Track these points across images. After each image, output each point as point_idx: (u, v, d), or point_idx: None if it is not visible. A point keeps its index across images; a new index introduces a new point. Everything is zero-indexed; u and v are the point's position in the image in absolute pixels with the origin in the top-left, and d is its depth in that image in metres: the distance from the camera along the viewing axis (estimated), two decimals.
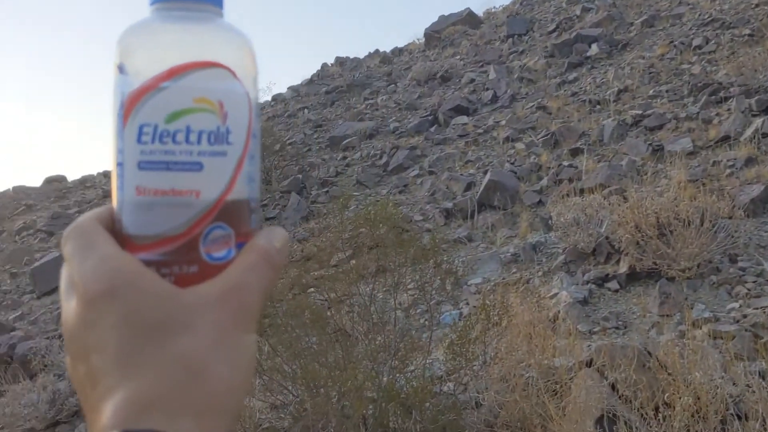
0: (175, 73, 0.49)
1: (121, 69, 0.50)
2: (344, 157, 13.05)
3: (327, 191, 11.46)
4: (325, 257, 7.12)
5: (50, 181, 17.28)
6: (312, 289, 5.62)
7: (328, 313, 4.56)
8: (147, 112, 0.48)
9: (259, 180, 0.54)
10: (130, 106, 0.48)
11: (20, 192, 16.53)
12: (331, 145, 13.87)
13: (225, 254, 0.49)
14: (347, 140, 13.67)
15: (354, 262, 6.31)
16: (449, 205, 9.04)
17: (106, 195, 13.59)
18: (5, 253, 10.56)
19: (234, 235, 0.50)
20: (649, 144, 8.91)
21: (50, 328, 6.05)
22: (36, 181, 17.90)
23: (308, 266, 6.80)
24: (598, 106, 11.08)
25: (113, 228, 0.47)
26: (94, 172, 17.74)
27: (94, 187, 15.68)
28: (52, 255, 8.61)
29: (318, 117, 16.08)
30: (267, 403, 3.56)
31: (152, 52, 0.50)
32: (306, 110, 16.97)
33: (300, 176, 12.14)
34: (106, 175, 17.37)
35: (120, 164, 0.48)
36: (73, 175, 21.55)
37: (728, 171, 7.48)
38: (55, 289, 7.60)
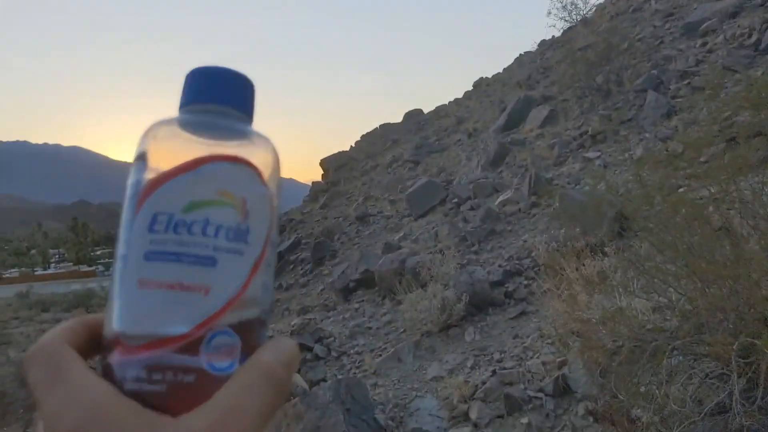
0: (201, 163, 0.47)
1: (141, 157, 0.48)
2: (704, 44, 11.78)
3: (688, 83, 10.52)
4: (694, 154, 6.63)
5: (409, 115, 18.90)
6: (682, 189, 5.31)
7: (709, 210, 4.28)
8: (164, 199, 0.46)
9: (272, 293, 0.50)
10: (146, 193, 0.46)
11: (386, 129, 18.46)
12: (687, 33, 12.61)
13: (228, 366, 0.44)
14: (706, 24, 12.28)
15: (728, 155, 5.76)
16: None
17: (460, 121, 14.38)
18: (382, 183, 11.97)
19: (240, 345, 0.45)
20: None
21: (430, 245, 6.74)
22: (397, 117, 19.76)
23: (676, 165, 6.42)
24: None
25: (92, 339, 0.44)
26: (446, 101, 18.93)
27: (447, 116, 16.68)
28: (420, 181, 9.52)
29: (667, 6, 14.70)
30: (650, 303, 3.55)
31: (178, 141, 0.48)
32: (652, 1, 15.64)
33: (655, 72, 11.33)
34: (457, 102, 18.42)
35: (123, 256, 0.46)
36: (428, 107, 23.23)
37: None
38: (429, 210, 8.43)
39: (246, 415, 0.38)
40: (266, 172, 0.50)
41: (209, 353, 0.43)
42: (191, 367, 0.42)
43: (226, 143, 0.48)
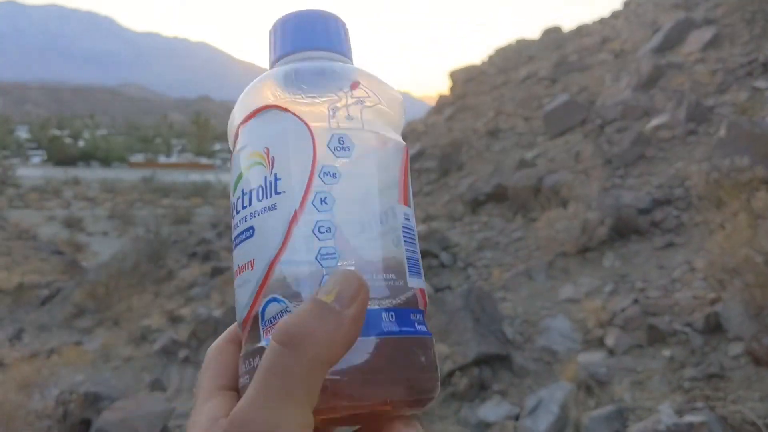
0: (236, 137, 0.45)
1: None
2: None
3: None
4: None
5: (548, 32, 18.08)
6: None
7: None
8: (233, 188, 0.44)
9: (339, 230, 0.40)
10: (406, 154, 0.46)
11: (522, 44, 17.77)
12: None
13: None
14: None
15: None
16: None
17: (606, 41, 13.62)
18: (515, 99, 11.59)
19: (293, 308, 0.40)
20: None
21: (569, 165, 6.49)
22: (533, 34, 18.97)
23: None
24: None
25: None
26: (590, 21, 17.92)
27: (590, 35, 15.83)
28: (560, 99, 9.12)
29: None
30: None
31: (232, 128, 0.47)
32: None
33: None
34: (602, 22, 17.40)
35: (407, 215, 0.45)
36: (568, 25, 22.17)
37: None
38: (567, 130, 8.10)
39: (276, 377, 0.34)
40: (296, 96, 0.44)
41: (267, 327, 0.40)
42: (257, 349, 0.39)
43: (253, 92, 0.45)
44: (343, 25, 0.49)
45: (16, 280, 11.75)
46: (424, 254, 5.43)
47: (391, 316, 0.40)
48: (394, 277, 0.40)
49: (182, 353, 5.73)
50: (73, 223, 22.61)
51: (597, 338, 4.01)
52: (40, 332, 8.47)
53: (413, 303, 0.41)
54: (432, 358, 0.41)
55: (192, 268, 9.49)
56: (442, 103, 16.33)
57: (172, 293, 8.37)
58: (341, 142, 0.42)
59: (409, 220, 0.43)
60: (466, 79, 16.77)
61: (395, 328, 0.39)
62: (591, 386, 3.52)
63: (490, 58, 18.18)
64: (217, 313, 6.10)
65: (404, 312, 0.40)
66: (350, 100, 0.43)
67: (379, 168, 0.43)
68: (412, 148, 11.54)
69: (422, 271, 0.43)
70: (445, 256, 5.42)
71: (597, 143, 6.72)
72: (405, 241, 0.42)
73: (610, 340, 3.91)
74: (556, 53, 15.09)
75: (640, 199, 5.13)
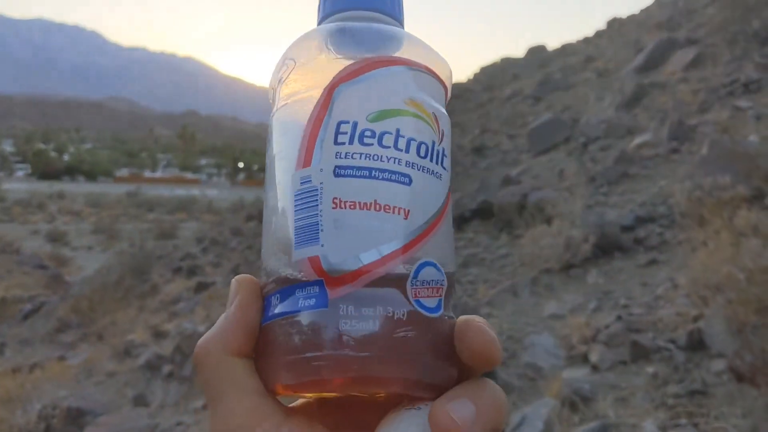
0: (388, 64, 0.41)
1: (293, 74, 0.43)
2: None
3: None
4: None
5: (533, 51, 18.27)
6: None
7: None
8: (347, 105, 0.40)
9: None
10: (323, 103, 0.40)
11: (507, 63, 17.94)
12: None
13: (435, 307, 0.40)
14: None
15: None
16: None
17: (590, 60, 13.76)
18: (500, 117, 11.69)
19: (446, 285, 0.41)
20: None
21: (553, 182, 6.54)
22: (519, 53, 19.15)
23: None
24: None
25: (250, 335, 0.41)
26: (574, 40, 18.13)
27: (575, 54, 16.01)
28: (544, 117, 9.20)
29: None
30: None
31: (344, 43, 0.42)
32: None
33: None
34: (586, 41, 17.61)
35: (304, 177, 0.40)
36: (552, 44, 22.39)
37: None
38: (551, 148, 8.17)
39: None
40: (449, 91, 0.46)
41: (416, 287, 0.39)
42: (400, 301, 0.38)
43: (407, 44, 0.43)
44: None
45: None
46: None
47: (277, 298, 0.40)
48: (284, 255, 0.40)
49: (166, 368, 5.69)
50: (57, 237, 22.45)
51: (581, 354, 4.02)
52: (23, 347, 8.38)
53: (296, 279, 0.39)
54: (314, 334, 0.38)
55: (176, 282, 9.44)
56: None
57: (156, 308, 8.31)
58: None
59: (308, 181, 0.40)
60: (451, 97, 16.88)
61: (278, 311, 0.40)
62: (575, 402, 3.53)
63: (476, 75, 18.33)
64: (202, 328, 6.06)
65: (288, 291, 0.40)
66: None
67: (278, 144, 0.43)
68: None
69: (321, 233, 0.39)
70: None
71: (581, 161, 6.78)
72: (297, 209, 0.40)
73: (594, 357, 3.92)
74: (540, 71, 15.26)
75: (624, 216, 5.17)
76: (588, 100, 9.80)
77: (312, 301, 0.38)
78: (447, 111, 0.44)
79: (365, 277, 0.38)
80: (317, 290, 0.38)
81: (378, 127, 0.40)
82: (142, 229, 22.19)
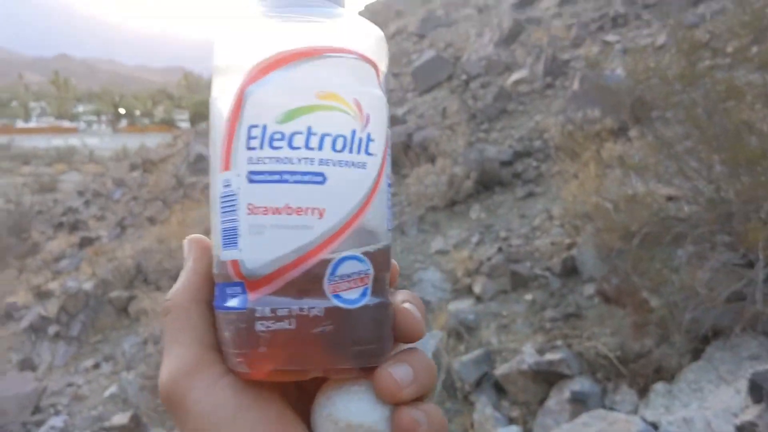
0: (293, 59, 0.40)
1: (223, 63, 0.43)
2: None
3: None
4: (720, 45, 6.45)
5: None
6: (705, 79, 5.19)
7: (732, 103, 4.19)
8: (256, 108, 0.40)
9: (392, 221, 0.45)
10: (238, 103, 0.40)
11: (391, 0, 17.81)
12: None
13: (357, 297, 0.41)
14: None
15: (756, 48, 5.63)
16: None
17: None
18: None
19: (373, 273, 0.42)
20: None
21: (437, 120, 6.64)
22: None
23: (699, 55, 6.27)
24: None
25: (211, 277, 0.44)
26: None
27: None
28: (427, 55, 9.26)
29: None
30: (670, 190, 3.54)
31: (259, 38, 0.42)
32: None
33: None
34: None
35: (226, 179, 0.41)
36: None
37: None
38: (434, 86, 8.26)
39: None
40: (379, 61, 0.44)
41: (334, 282, 0.40)
42: (316, 298, 0.40)
43: (323, 28, 0.42)
44: None
45: None
46: None
47: (218, 290, 0.43)
48: (216, 250, 0.42)
49: (52, 329, 5.49)
50: None
51: (465, 287, 4.20)
52: None
53: (226, 277, 0.42)
54: (237, 333, 0.40)
55: (59, 239, 9.03)
56: None
57: (38, 267, 7.94)
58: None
59: (228, 185, 0.41)
60: None
61: (217, 303, 0.43)
62: (461, 332, 3.70)
63: (360, 13, 18.18)
64: (88, 285, 5.86)
65: (221, 287, 0.42)
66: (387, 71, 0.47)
67: (211, 139, 0.43)
68: None
69: (239, 238, 0.41)
70: None
71: (462, 99, 6.91)
72: (222, 211, 0.42)
73: (477, 288, 4.11)
74: (423, 8, 15.27)
75: (503, 152, 5.35)
76: (469, 36, 9.92)
77: (236, 302, 0.40)
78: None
79: (280, 279, 0.39)
80: (239, 291, 0.40)
81: (288, 128, 0.40)
82: (18, 184, 20.91)
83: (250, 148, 0.40)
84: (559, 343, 3.45)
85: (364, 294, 0.41)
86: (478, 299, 4.06)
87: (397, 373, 0.40)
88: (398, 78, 9.85)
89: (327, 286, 0.40)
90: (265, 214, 0.40)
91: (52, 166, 30.69)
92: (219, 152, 0.41)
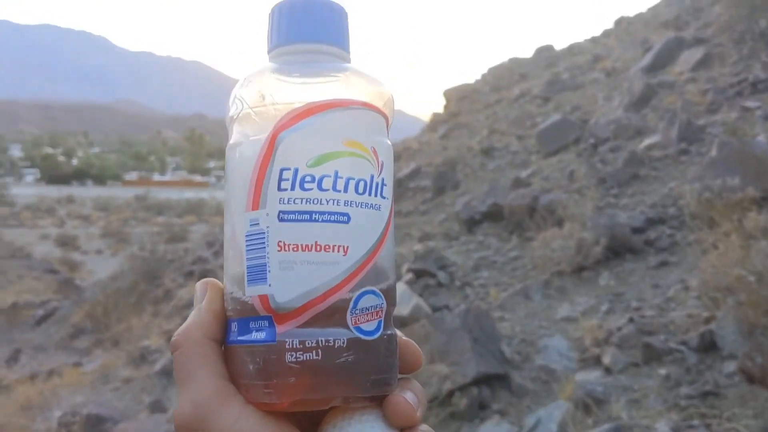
0: (321, 109, 0.44)
1: (245, 114, 0.46)
2: None
3: None
4: None
5: (540, 50, 18.27)
6: None
7: None
8: (287, 153, 0.44)
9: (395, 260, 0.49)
10: (269, 149, 0.44)
11: (515, 63, 17.95)
12: None
13: (374, 329, 0.45)
14: None
15: None
16: None
17: (597, 60, 13.76)
18: (509, 118, 11.70)
19: (386, 307, 0.46)
20: None
21: (563, 184, 6.57)
22: (527, 53, 19.16)
23: None
24: None
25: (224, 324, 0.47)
26: (581, 39, 18.13)
27: (583, 54, 16.01)
28: (553, 118, 9.22)
29: None
30: None
31: (284, 90, 0.45)
32: None
33: None
34: (594, 41, 17.59)
35: (254, 219, 0.44)
36: (560, 44, 22.36)
37: None
38: (560, 149, 8.19)
39: None
40: (389, 115, 0.49)
41: (356, 315, 0.44)
42: (340, 330, 0.43)
43: (342, 83, 0.46)
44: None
45: (10, 299, 11.71)
46: (422, 273, 5.49)
47: (236, 325, 0.46)
48: (236, 289, 0.45)
49: None
50: (67, 242, 22.55)
51: (594, 357, 4.06)
52: (37, 353, 8.46)
53: (249, 311, 0.44)
54: (264, 365, 0.43)
55: (189, 287, 9.50)
56: (436, 121, 16.45)
57: (170, 313, 8.39)
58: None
59: (257, 224, 0.44)
60: (459, 98, 16.91)
61: (234, 338, 0.45)
62: (589, 405, 3.57)
63: (484, 76, 18.35)
64: None
65: (242, 322, 0.45)
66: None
67: (232, 182, 0.47)
68: (407, 166, 11.62)
69: (268, 274, 0.44)
70: (442, 276, 5.47)
71: (590, 162, 6.81)
72: (248, 249, 0.44)
73: (606, 359, 3.96)
74: (548, 72, 15.26)
75: (634, 218, 5.21)
76: (596, 100, 9.82)
77: (263, 335, 0.43)
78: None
79: (308, 312, 0.43)
80: (267, 324, 0.43)
81: (317, 171, 0.43)
82: (152, 233, 22.29)
83: (281, 189, 0.43)
84: (695, 422, 3.26)
85: (379, 326, 0.45)
86: (608, 371, 3.91)
87: (410, 398, 0.45)
88: (522, 140, 9.84)
89: (350, 318, 0.44)
90: (296, 250, 0.43)
91: (183, 217, 32.54)
92: (244, 193, 0.44)
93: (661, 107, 7.64)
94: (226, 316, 0.47)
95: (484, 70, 18.91)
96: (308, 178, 0.43)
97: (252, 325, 0.44)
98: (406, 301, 4.81)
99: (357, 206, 0.44)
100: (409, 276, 5.45)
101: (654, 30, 13.56)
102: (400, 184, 11.07)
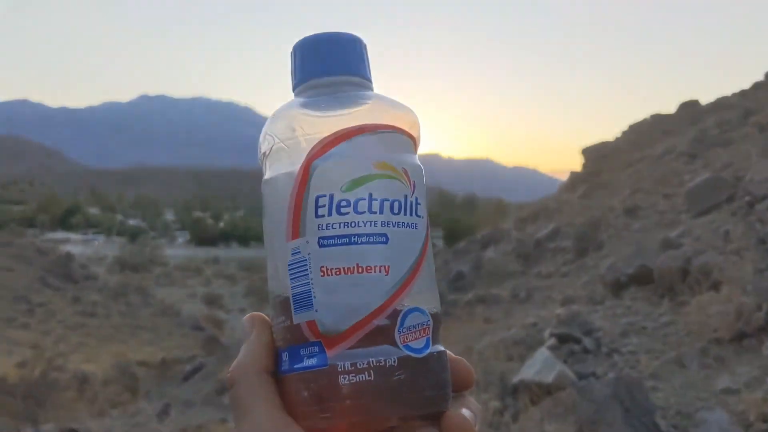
0: (350, 136, 0.46)
1: (276, 148, 0.47)
2: None
3: None
4: None
5: (684, 106, 17.61)
6: None
7: None
8: (321, 180, 0.45)
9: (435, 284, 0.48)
10: (303, 179, 0.45)
11: (657, 119, 17.38)
12: None
13: (423, 347, 0.45)
14: None
15: None
16: None
17: (748, 114, 13.06)
18: (653, 176, 11.27)
19: (432, 324, 0.46)
20: None
21: (717, 244, 6.20)
22: (670, 108, 18.50)
23: None
24: None
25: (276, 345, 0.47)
26: (729, 93, 17.31)
27: (731, 108, 15.26)
28: (703, 176, 8.79)
29: None
30: None
31: (313, 121, 0.47)
32: None
33: None
34: (743, 94, 16.74)
35: (295, 248, 0.45)
36: (704, 98, 21.47)
37: None
38: (712, 208, 7.76)
39: None
40: (417, 136, 0.50)
41: (404, 333, 0.44)
42: (390, 349, 0.44)
43: (369, 109, 0.48)
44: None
45: (161, 355, 12.38)
46: (565, 339, 5.31)
47: (287, 355, 0.46)
48: (284, 318, 0.46)
49: None
50: (212, 300, 23.75)
51: None
52: (186, 408, 8.86)
53: (299, 338, 0.45)
54: (318, 390, 0.44)
55: None
56: (575, 179, 16.14)
57: None
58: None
59: (298, 252, 0.45)
60: (599, 156, 16.53)
61: (287, 367, 0.46)
62: None
63: (624, 134, 17.87)
64: None
65: (293, 350, 0.45)
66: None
67: (270, 214, 0.48)
68: (546, 227, 11.40)
69: (314, 300, 0.45)
70: (588, 341, 5.26)
71: (747, 222, 6.40)
72: (292, 278, 0.45)
73: None
74: (693, 128, 14.63)
75: None
76: (750, 156, 9.26)
77: (314, 361, 0.44)
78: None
79: (356, 334, 0.43)
80: (317, 350, 0.44)
81: (352, 195, 0.44)
82: None
83: (319, 216, 0.44)
84: None
85: (427, 343, 0.45)
86: None
87: (467, 414, 0.45)
88: (670, 199, 9.43)
89: (398, 337, 0.44)
90: (338, 274, 0.44)
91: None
92: (283, 225, 0.46)
93: None
94: (276, 347, 0.47)
95: (625, 127, 18.42)
96: (344, 203, 0.45)
97: (302, 352, 0.45)
98: (550, 367, 4.66)
99: (394, 226, 0.45)
100: (552, 341, 5.29)
101: None
102: (539, 245, 10.85)
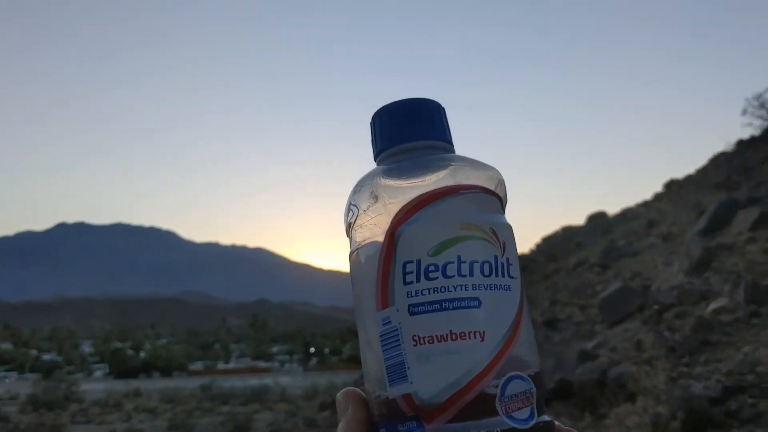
0: (434, 199, 0.44)
1: (360, 218, 0.47)
2: None
3: None
4: None
5: (593, 218, 18.42)
6: None
7: None
8: (408, 247, 0.43)
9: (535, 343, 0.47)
10: (389, 247, 0.44)
11: (568, 231, 18.08)
12: None
13: (528, 416, 0.42)
14: None
15: None
16: None
17: (652, 224, 13.77)
18: (569, 288, 11.60)
19: (535, 391, 0.43)
20: None
21: (632, 354, 6.36)
22: (580, 220, 19.30)
23: None
24: None
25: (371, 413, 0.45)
26: (632, 204, 18.30)
27: (636, 219, 16.09)
28: (614, 286, 9.11)
29: None
30: None
31: (395, 188, 0.46)
32: None
33: None
34: (646, 205, 17.71)
35: (385, 318, 0.44)
36: (612, 209, 22.56)
37: None
38: (625, 317, 8.00)
39: None
40: (503, 195, 0.49)
41: (506, 402, 0.42)
42: (493, 420, 0.41)
43: (453, 170, 0.46)
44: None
45: None
46: None
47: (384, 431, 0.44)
48: (379, 391, 0.44)
49: None
50: None
51: None
52: None
53: (396, 413, 0.43)
54: None
55: None
56: None
57: None
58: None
59: (389, 322, 0.44)
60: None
61: None
62: None
63: (538, 246, 18.46)
64: None
65: (392, 426, 0.43)
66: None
67: (358, 285, 0.47)
68: None
69: (408, 371, 0.43)
70: None
71: (657, 330, 6.63)
72: (384, 349, 0.44)
73: None
74: (603, 239, 15.28)
75: (711, 388, 4.96)
76: (656, 265, 9.71)
77: None
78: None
79: (456, 405, 0.41)
80: (415, 425, 0.42)
81: (440, 259, 0.43)
82: (216, 423, 22.02)
83: (407, 283, 0.43)
84: None
85: (532, 413, 0.42)
86: None
87: None
88: (584, 310, 9.68)
89: (500, 407, 0.41)
90: (431, 342, 0.42)
91: (247, 405, 32.11)
92: (372, 294, 0.44)
93: (724, 269, 7.51)
94: (372, 422, 0.45)
95: (538, 240, 19.06)
96: (432, 267, 0.43)
97: (400, 428, 0.42)
98: None
99: (486, 288, 0.43)
100: None
101: (706, 191, 13.64)
102: None
